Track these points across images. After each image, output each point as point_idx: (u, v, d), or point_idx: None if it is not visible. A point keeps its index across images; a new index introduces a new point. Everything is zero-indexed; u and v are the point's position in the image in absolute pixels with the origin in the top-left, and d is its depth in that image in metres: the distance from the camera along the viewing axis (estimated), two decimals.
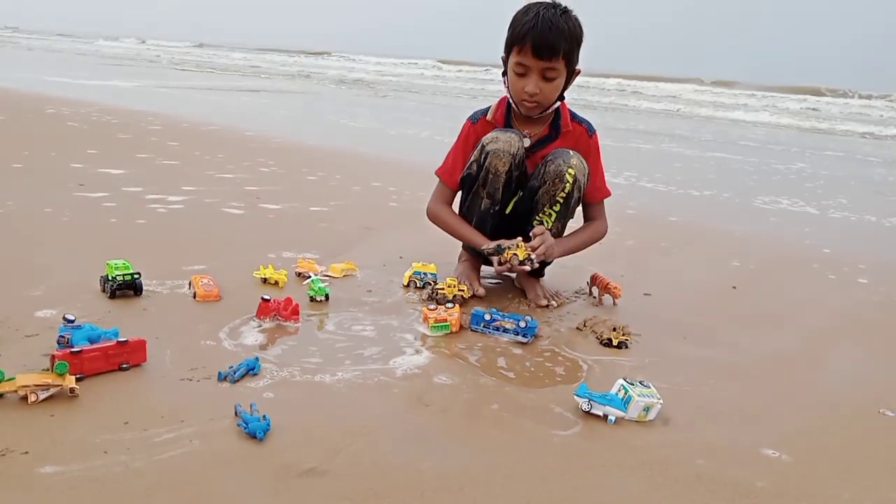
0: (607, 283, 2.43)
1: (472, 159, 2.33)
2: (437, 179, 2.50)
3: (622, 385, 1.62)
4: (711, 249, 3.53)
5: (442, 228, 2.48)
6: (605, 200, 2.52)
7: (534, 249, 2.19)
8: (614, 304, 2.45)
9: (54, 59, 18.82)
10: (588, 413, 1.59)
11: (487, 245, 2.22)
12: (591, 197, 2.44)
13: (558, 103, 2.35)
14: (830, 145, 10.75)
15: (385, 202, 3.93)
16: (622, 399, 1.59)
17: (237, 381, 1.61)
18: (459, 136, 2.46)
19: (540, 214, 2.34)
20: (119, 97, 9.16)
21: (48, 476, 1.19)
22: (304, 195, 3.91)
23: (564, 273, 2.71)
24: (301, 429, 1.43)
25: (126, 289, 2.07)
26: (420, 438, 1.45)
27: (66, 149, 4.74)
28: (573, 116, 2.42)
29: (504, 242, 2.19)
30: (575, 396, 1.60)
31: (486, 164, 2.27)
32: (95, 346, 1.58)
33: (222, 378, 1.61)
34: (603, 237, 2.53)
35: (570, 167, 2.26)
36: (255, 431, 1.36)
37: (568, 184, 2.26)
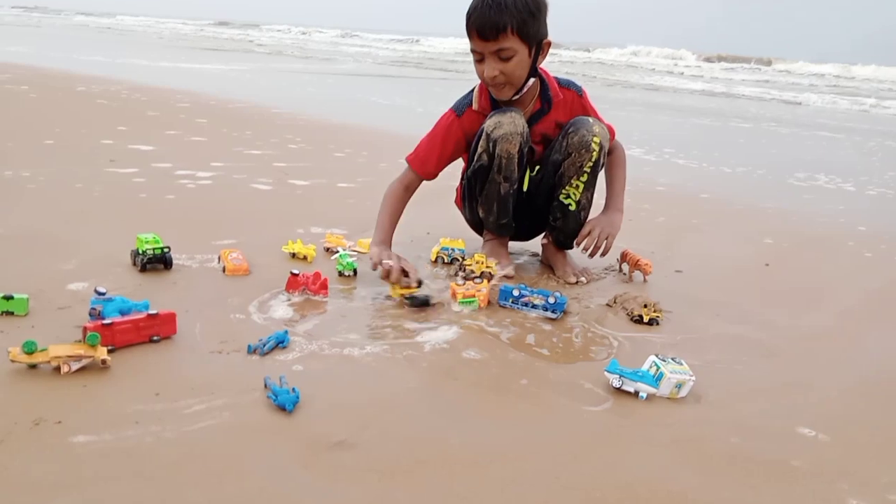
0: (638, 260, 2.40)
1: (479, 151, 2.24)
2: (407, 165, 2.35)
3: (654, 361, 1.59)
4: (744, 226, 3.47)
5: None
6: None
7: (602, 251, 2.31)
8: (645, 280, 2.41)
9: (77, 38, 18.96)
10: (619, 389, 1.57)
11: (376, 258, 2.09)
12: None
13: (532, 80, 2.24)
14: (870, 122, 10.51)
15: None
16: (654, 376, 1.57)
17: (266, 353, 1.61)
18: (439, 126, 2.33)
19: (566, 187, 2.29)
20: (146, 75, 9.20)
21: (81, 445, 1.20)
22: (332, 171, 3.91)
23: None
24: (330, 402, 1.43)
25: (156, 262, 2.08)
26: (449, 413, 1.44)
27: (97, 126, 4.78)
28: (560, 83, 2.35)
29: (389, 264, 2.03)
30: (606, 373, 1.58)
31: (498, 151, 2.20)
32: (126, 318, 1.59)
33: (252, 351, 1.61)
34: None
35: (595, 135, 2.21)
36: (285, 404, 1.36)
37: (594, 153, 2.22)
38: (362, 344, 1.72)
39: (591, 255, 2.34)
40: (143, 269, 2.06)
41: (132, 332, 1.58)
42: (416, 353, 1.69)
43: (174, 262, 2.13)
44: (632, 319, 2.02)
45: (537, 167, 2.36)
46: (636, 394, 1.56)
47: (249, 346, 1.62)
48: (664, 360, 1.60)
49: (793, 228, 3.50)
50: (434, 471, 1.23)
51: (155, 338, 1.61)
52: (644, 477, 1.27)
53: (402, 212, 2.33)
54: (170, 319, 1.65)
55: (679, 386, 1.57)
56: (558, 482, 1.23)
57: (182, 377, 1.47)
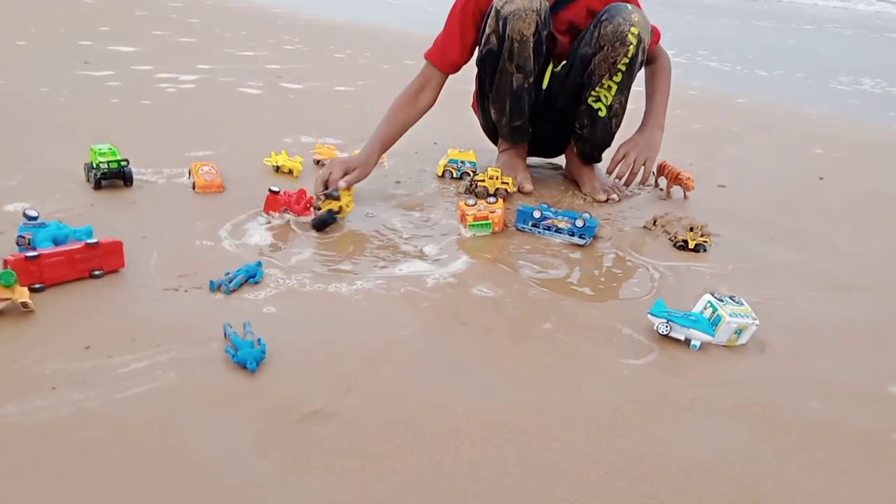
0: (678, 174, 2.06)
1: (487, 32, 1.87)
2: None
3: (709, 302, 1.29)
4: (788, 135, 3.10)
5: None
6: None
7: (641, 179, 2.07)
8: (685, 197, 2.09)
9: None
10: (666, 336, 1.27)
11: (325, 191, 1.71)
12: (650, 46, 1.95)
13: None
14: None
15: None
16: (709, 319, 1.27)
17: (233, 291, 1.32)
18: (454, 9, 1.97)
19: (596, 88, 1.93)
20: None
21: None
22: (330, 74, 3.55)
23: None
24: (305, 356, 1.14)
25: (114, 178, 1.78)
26: (455, 371, 1.15)
27: (77, 26, 4.39)
28: None
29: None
30: (650, 315, 1.28)
31: (508, 31, 1.83)
32: (59, 248, 1.30)
33: (215, 288, 1.32)
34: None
35: (633, 25, 1.83)
36: (246, 360, 1.08)
37: (631, 46, 1.84)
38: (351, 278, 1.42)
39: (627, 184, 2.02)
40: (98, 185, 1.76)
41: (66, 266, 1.29)
42: (417, 290, 1.40)
43: (136, 177, 1.82)
44: (675, 245, 1.70)
45: (563, 63, 2.00)
46: (687, 342, 1.27)
47: (212, 283, 1.33)
48: (721, 300, 1.29)
49: (842, 137, 3.13)
50: (434, 453, 0.95)
51: (97, 272, 1.32)
52: (706, 459, 0.98)
53: (402, 126, 1.97)
54: (114, 249, 1.35)
55: (739, 332, 1.27)
56: (596, 467, 0.94)
57: (123, 324, 1.18)
